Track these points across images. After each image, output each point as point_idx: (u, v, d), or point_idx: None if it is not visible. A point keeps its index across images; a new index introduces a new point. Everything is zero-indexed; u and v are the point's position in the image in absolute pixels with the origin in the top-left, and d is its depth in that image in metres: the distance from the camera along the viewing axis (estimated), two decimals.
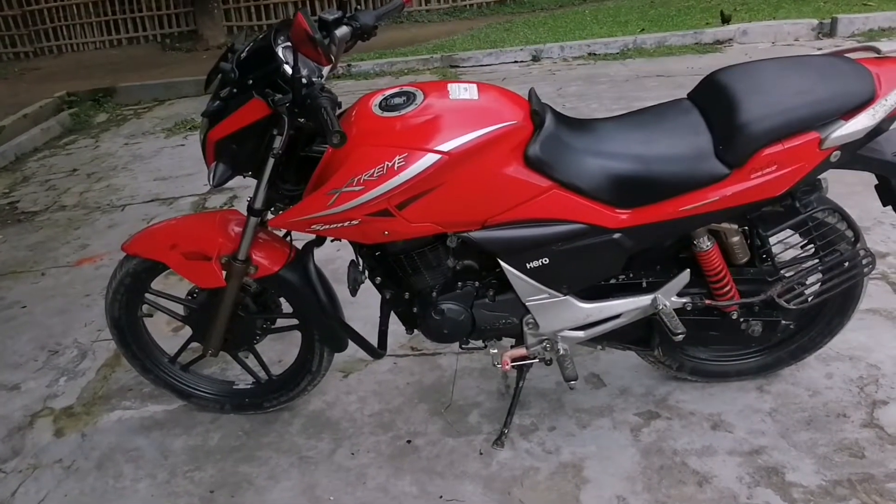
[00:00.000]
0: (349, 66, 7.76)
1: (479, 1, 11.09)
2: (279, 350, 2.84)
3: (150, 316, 2.48)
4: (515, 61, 7.70)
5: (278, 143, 1.94)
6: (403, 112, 1.92)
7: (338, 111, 1.91)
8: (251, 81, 1.88)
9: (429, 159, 1.86)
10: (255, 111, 1.88)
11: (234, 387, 2.58)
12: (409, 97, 1.96)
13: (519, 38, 8.45)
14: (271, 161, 1.97)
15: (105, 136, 6.62)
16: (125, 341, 2.45)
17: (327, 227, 1.98)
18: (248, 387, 2.56)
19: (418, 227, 1.98)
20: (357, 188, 1.89)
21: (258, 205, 2.06)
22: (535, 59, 7.66)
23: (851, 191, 2.68)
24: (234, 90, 1.91)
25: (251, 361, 2.53)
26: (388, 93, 2.01)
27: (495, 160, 1.92)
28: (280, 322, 2.42)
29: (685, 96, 2.17)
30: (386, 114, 1.93)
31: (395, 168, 1.87)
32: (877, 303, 2.82)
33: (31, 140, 6.48)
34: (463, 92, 1.98)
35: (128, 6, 10.87)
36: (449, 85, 2.01)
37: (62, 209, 4.87)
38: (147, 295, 2.40)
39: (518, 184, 1.94)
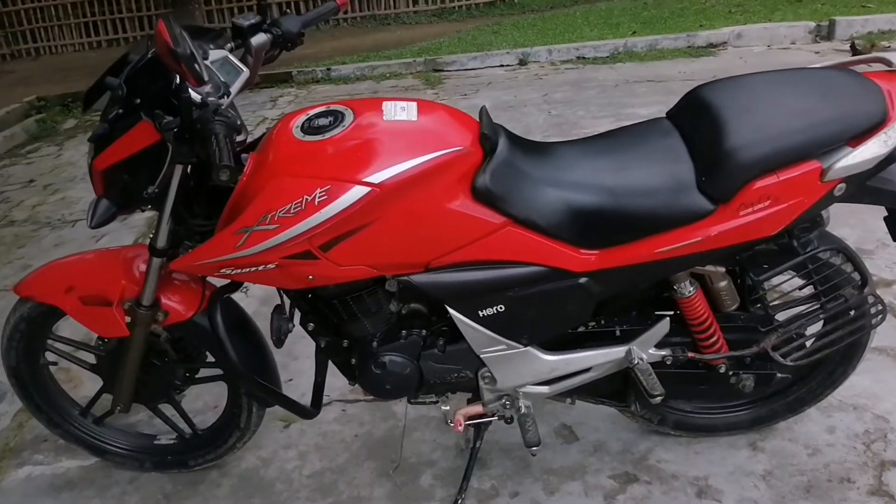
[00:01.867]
0: (329, 69, 7.46)
1: (469, 2, 10.80)
2: (216, 393, 2.54)
3: (55, 364, 2.17)
4: (501, 65, 7.41)
5: (179, 172, 1.63)
6: (328, 135, 1.62)
7: (242, 135, 1.62)
8: (139, 101, 1.58)
9: (356, 193, 1.56)
10: (144, 136, 1.57)
11: (156, 442, 2.27)
12: (337, 117, 1.66)
13: (506, 41, 8.16)
14: (172, 193, 1.67)
15: (70, 144, 6.30)
16: (27, 393, 2.15)
17: (239, 271, 1.68)
18: (171, 442, 2.26)
19: (349, 270, 1.68)
20: (271, 226, 1.59)
21: (161, 243, 1.75)
22: (522, 62, 7.36)
23: (852, 209, 2.37)
24: (121, 110, 1.60)
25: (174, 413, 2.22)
26: (312, 112, 1.71)
27: (437, 193, 1.62)
28: (204, 371, 2.12)
29: (664, 115, 1.86)
30: (307, 137, 1.63)
31: (316, 203, 1.57)
32: (883, 341, 2.52)
33: None
34: (399, 112, 1.68)
35: (107, 7, 10.57)
36: (384, 103, 1.71)
37: (10, 224, 4.56)
38: (49, 341, 2.09)
39: (465, 220, 1.64)
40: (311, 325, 1.90)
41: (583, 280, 1.70)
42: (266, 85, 7.23)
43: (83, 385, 2.59)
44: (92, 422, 2.23)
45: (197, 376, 2.13)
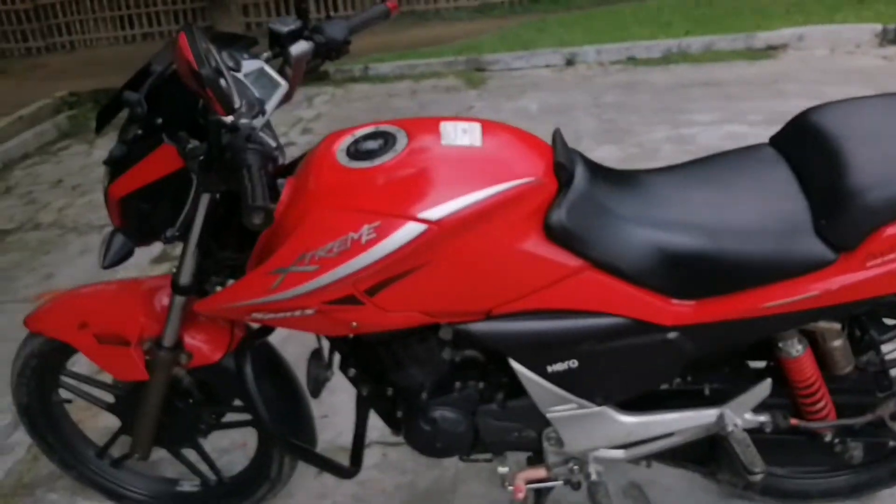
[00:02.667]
0: (366, 67, 7.23)
1: None
2: (246, 430, 2.31)
3: (69, 402, 1.97)
4: (547, 65, 7.11)
5: (206, 201, 1.41)
6: (377, 162, 1.39)
7: (285, 156, 1.39)
8: (160, 120, 1.36)
9: (409, 231, 1.33)
10: (166, 161, 1.35)
11: (178, 488, 2.06)
12: (388, 140, 1.43)
13: (552, 40, 7.86)
14: (199, 224, 1.44)
15: (101, 143, 6.13)
16: (38, 432, 1.95)
17: (273, 316, 1.45)
18: (194, 489, 2.04)
19: (398, 317, 1.44)
20: (310, 268, 1.36)
21: (184, 279, 1.53)
22: (569, 63, 7.06)
23: None
24: (140, 131, 1.38)
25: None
26: (360, 132, 1.48)
27: (504, 231, 1.38)
28: (231, 415, 1.90)
29: (766, 141, 1.59)
30: (354, 164, 1.40)
31: (363, 241, 1.33)
32: None
33: (21, 145, 6.03)
34: (461, 135, 1.43)
35: (143, 1, 10.45)
36: (442, 124, 1.47)
37: (36, 228, 4.40)
38: (63, 377, 1.89)
39: (536, 263, 1.40)
40: (351, 372, 1.67)
41: (672, 335, 1.45)
42: (301, 83, 7.01)
43: (103, 415, 2.39)
44: (109, 464, 2.03)
45: (224, 420, 1.91)
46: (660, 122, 5.13)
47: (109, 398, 1.90)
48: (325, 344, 1.66)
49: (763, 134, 1.68)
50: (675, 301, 1.43)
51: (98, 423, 2.27)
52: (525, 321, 1.45)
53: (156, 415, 1.76)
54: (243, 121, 1.26)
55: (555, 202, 1.39)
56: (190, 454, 1.98)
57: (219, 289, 1.58)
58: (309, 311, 1.42)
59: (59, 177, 5.31)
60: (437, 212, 1.33)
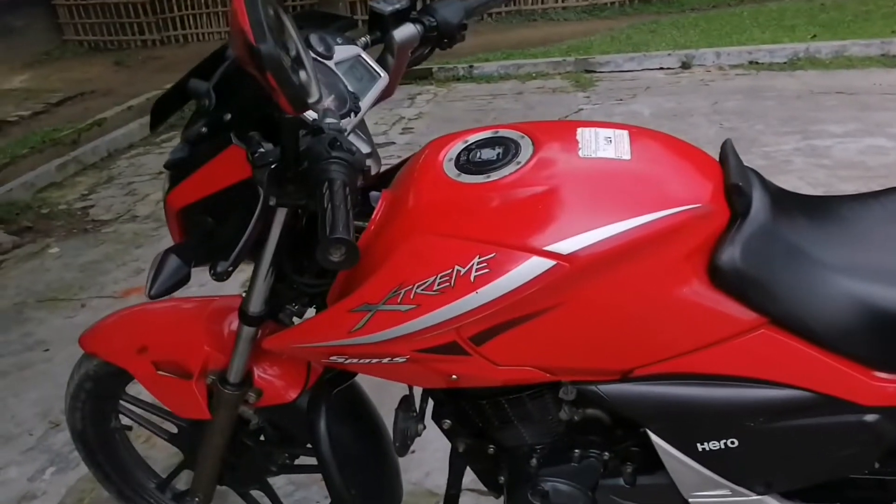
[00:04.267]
0: (471, 66, 6.96)
1: None
2: None
3: (130, 429, 1.75)
4: (661, 67, 6.67)
5: (282, 217, 1.15)
6: (495, 176, 1.10)
7: (374, 166, 1.11)
8: (230, 116, 1.10)
9: (533, 267, 1.03)
10: (235, 167, 1.08)
11: None
12: (509, 149, 1.13)
13: (666, 42, 7.41)
14: (272, 244, 1.18)
15: None
16: (94, 459, 1.74)
17: (354, 361, 1.18)
18: None
19: (510, 371, 1.15)
20: (404, 306, 1.08)
21: (254, 308, 1.27)
22: (685, 66, 6.60)
23: None
24: (205, 129, 1.13)
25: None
26: (473, 138, 1.19)
27: (656, 274, 1.07)
28: (306, 458, 1.64)
29: None
30: (465, 177, 1.11)
31: (472, 278, 1.04)
32: None
33: (127, 135, 6.03)
34: (603, 144, 1.12)
35: None
36: (580, 130, 1.16)
37: (133, 220, 4.33)
38: (122, 402, 1.68)
39: (696, 315, 1.08)
40: (446, 423, 1.38)
41: (871, 418, 1.10)
42: (404, 81, 6.79)
43: None
44: (170, 498, 1.80)
45: (298, 463, 1.66)
46: (789, 131, 4.67)
47: (172, 428, 1.67)
48: (417, 390, 1.38)
49: None
50: (879, 375, 1.09)
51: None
52: (675, 387, 1.13)
53: (219, 456, 1.52)
54: (329, 120, 0.99)
55: (725, 237, 1.07)
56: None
57: (296, 320, 1.32)
58: (399, 360, 1.14)
59: (161, 168, 5.24)
60: (569, 244, 1.03)
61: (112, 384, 1.61)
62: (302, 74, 0.92)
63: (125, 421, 1.73)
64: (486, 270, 1.04)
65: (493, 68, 6.97)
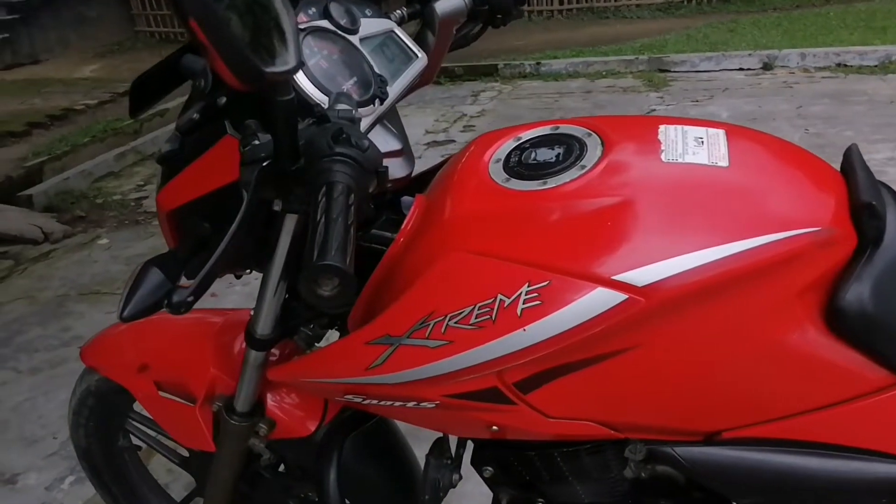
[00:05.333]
0: (538, 64, 6.70)
1: None
2: None
3: (139, 449, 1.59)
4: (741, 68, 6.30)
5: (292, 224, 0.94)
6: (553, 182, 0.88)
7: (405, 167, 0.90)
8: (225, 100, 0.90)
9: (597, 301, 0.81)
10: (231, 161, 0.88)
11: None
12: (571, 149, 0.91)
13: (745, 41, 7.02)
14: (281, 256, 0.98)
15: None
16: (101, 480, 1.58)
17: (374, 402, 0.97)
18: None
19: (564, 425, 0.93)
20: (433, 342, 0.86)
21: (263, 329, 1.07)
22: (767, 67, 6.22)
23: None
24: (197, 115, 0.93)
25: None
26: (527, 134, 0.97)
27: (760, 313, 0.83)
28: None
29: None
30: (515, 183, 0.90)
31: (520, 311, 0.83)
32: None
33: None
34: (694, 146, 0.89)
35: None
36: (663, 128, 0.93)
37: None
38: (130, 420, 1.51)
39: (809, 368, 0.85)
40: (487, 471, 1.16)
41: None
42: (468, 77, 6.59)
43: None
44: None
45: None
46: (881, 139, 4.30)
47: (184, 451, 1.49)
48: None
49: None
50: None
51: None
52: (775, 454, 0.89)
53: (230, 489, 1.33)
54: (341, 107, 0.78)
55: (850, 270, 0.82)
56: None
57: (318, 345, 1.12)
58: (428, 405, 0.93)
59: None
60: (646, 274, 0.80)
61: (117, 401, 1.44)
62: (266, 27, 0.70)
63: (135, 440, 1.56)
64: (538, 302, 0.82)
65: (561, 65, 6.70)
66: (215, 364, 1.22)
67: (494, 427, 0.95)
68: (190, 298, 0.84)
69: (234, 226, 0.79)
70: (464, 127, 5.27)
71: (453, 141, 4.91)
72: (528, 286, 0.82)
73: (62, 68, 8.50)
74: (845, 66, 6.11)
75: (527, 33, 8.38)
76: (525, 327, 0.82)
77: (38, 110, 6.38)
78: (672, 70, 6.41)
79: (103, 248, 3.84)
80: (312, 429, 1.22)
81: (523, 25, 9.05)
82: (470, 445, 1.17)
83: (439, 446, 1.16)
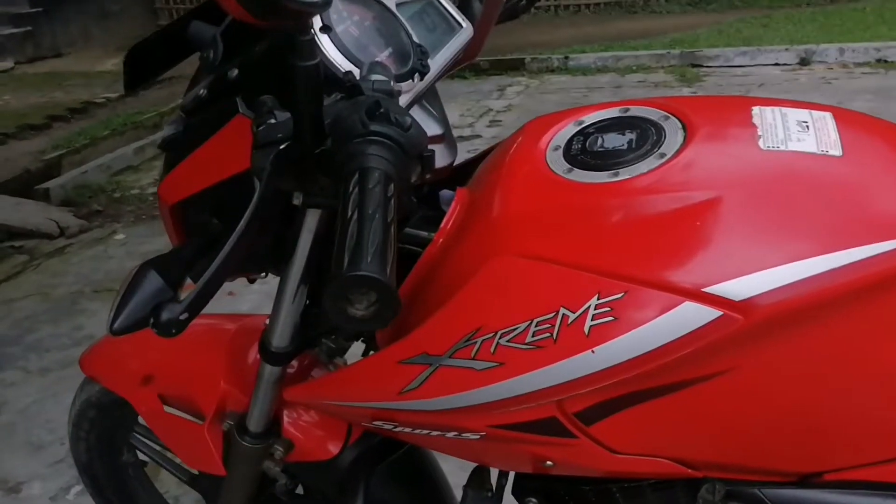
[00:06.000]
0: (566, 58, 6.53)
1: None
2: None
3: (145, 465, 1.46)
4: (776, 63, 6.09)
5: (314, 220, 0.81)
6: (626, 174, 0.74)
7: (447, 156, 0.76)
8: (237, 72, 0.75)
9: (688, 317, 0.67)
10: (244, 145, 0.74)
11: None
12: (646, 133, 0.76)
13: (780, 36, 6.81)
14: (302, 258, 0.84)
15: None
16: (104, 497, 1.45)
17: (407, 430, 0.83)
18: None
19: (631, 462, 0.78)
20: (482, 363, 0.72)
21: (279, 341, 0.93)
22: (804, 62, 6.01)
23: None
24: (204, 92, 0.79)
25: None
26: (591, 117, 0.82)
27: (882, 334, 0.68)
28: None
29: None
30: (580, 174, 0.75)
31: (587, 329, 0.69)
32: None
33: None
34: (797, 131, 0.74)
35: None
36: (757, 109, 0.78)
37: None
38: (135, 434, 1.38)
39: None
40: (531, 502, 1.01)
41: None
42: (494, 71, 6.43)
43: None
44: None
45: None
46: None
47: (194, 469, 1.36)
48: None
49: None
50: None
51: None
52: (885, 500, 0.74)
53: None
54: (376, 77, 0.64)
55: None
56: None
57: (339, 362, 0.98)
58: (471, 436, 0.79)
59: None
60: (744, 286, 0.65)
61: (120, 414, 1.31)
62: None
63: (142, 455, 1.43)
64: (610, 318, 0.67)
65: (590, 60, 6.53)
66: (226, 378, 1.09)
67: (548, 462, 0.81)
68: (183, 316, 0.71)
69: (242, 222, 0.66)
70: (490, 122, 5.12)
71: (479, 136, 4.77)
72: (598, 298, 0.68)
73: (84, 62, 8.45)
74: (886, 61, 5.89)
75: (553, 28, 8.22)
76: (594, 349, 0.68)
77: (59, 103, 6.31)
78: (705, 65, 6.21)
79: (119, 243, 3.74)
80: (335, 451, 1.08)
81: (549, 20, 8.89)
82: (512, 473, 1.03)
83: (479, 476, 1.02)
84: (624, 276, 0.68)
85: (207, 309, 0.75)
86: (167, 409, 1.14)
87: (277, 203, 0.73)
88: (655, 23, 8.44)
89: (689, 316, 0.66)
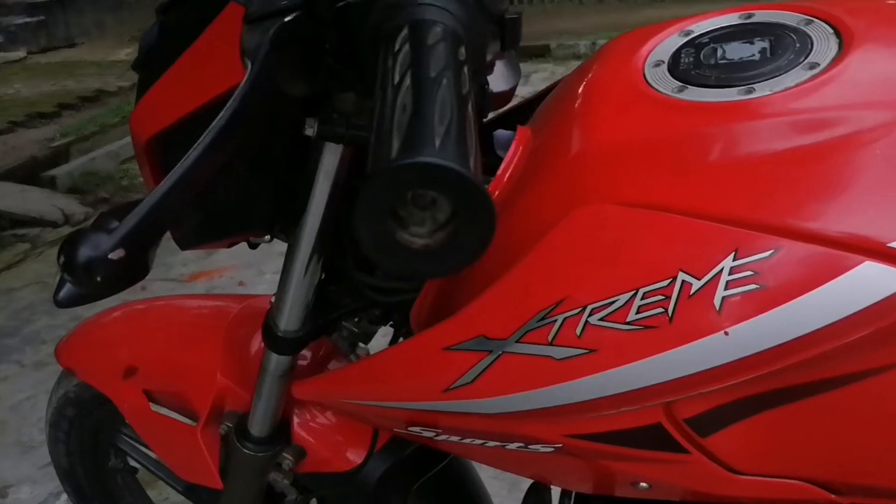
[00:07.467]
0: (593, 44, 6.31)
1: None
2: None
3: (136, 471, 1.27)
4: None
5: (335, 159, 0.61)
6: (764, 90, 0.52)
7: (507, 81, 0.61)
8: None
9: (868, 282, 0.46)
10: (236, 48, 0.54)
11: None
12: (783, 41, 0.56)
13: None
14: (316, 216, 0.65)
15: None
16: None
17: (454, 439, 0.63)
18: None
19: (757, 485, 0.57)
20: (562, 350, 0.52)
21: (287, 324, 0.74)
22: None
23: None
24: None
25: None
26: (701, 26, 0.62)
27: None
28: None
29: None
30: (697, 93, 0.54)
31: (718, 301, 0.47)
32: None
33: None
34: None
35: None
36: None
37: None
38: (122, 436, 1.19)
39: None
40: None
41: None
42: (518, 59, 6.21)
43: None
44: None
45: None
46: None
47: None
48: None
49: None
50: None
51: None
52: None
53: None
54: None
55: None
56: None
57: (362, 351, 0.79)
58: (542, 448, 0.59)
59: None
60: None
61: (102, 412, 1.12)
62: None
63: (132, 461, 1.25)
64: (752, 286, 0.47)
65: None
66: (224, 369, 0.89)
67: (643, 484, 0.61)
68: (115, 254, 0.50)
69: (219, 118, 0.46)
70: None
71: None
72: (734, 259, 0.48)
73: (97, 51, 8.33)
74: None
75: (578, 16, 8.00)
76: (727, 329, 0.48)
77: (70, 91, 6.18)
78: None
79: None
80: (357, 461, 0.88)
81: (574, 9, 8.69)
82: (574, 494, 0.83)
83: (537, 495, 0.82)
84: (773, 228, 0.48)
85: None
86: (154, 407, 0.94)
87: (269, 97, 0.51)
88: (684, 10, 8.13)
89: (871, 281, 0.46)
